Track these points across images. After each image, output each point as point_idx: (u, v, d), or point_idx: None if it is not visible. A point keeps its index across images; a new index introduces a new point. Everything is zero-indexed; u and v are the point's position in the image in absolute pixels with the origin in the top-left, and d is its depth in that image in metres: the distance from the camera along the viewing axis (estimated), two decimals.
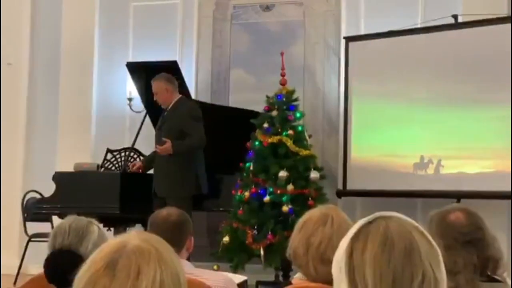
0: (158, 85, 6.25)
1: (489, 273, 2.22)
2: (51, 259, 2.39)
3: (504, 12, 6.49)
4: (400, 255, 1.30)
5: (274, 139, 6.17)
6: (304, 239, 2.34)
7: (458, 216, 2.28)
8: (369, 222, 1.37)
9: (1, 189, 7.87)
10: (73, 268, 1.29)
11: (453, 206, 2.39)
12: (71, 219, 2.48)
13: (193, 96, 7.32)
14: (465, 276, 2.16)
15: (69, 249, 2.38)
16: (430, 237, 1.37)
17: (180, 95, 6.34)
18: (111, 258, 1.21)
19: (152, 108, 6.61)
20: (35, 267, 6.13)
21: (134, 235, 1.27)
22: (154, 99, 6.28)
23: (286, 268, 5.91)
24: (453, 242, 2.21)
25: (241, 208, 6.09)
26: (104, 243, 1.28)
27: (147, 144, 6.78)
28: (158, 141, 6.22)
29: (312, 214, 2.42)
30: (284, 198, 5.94)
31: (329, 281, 1.95)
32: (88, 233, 2.43)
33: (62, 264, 2.30)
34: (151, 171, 6.43)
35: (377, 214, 1.39)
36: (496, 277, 2.23)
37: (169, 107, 6.27)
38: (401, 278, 1.29)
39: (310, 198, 5.98)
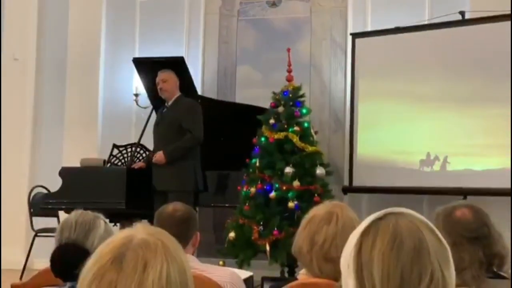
0: (169, 74, 6.35)
1: (495, 270, 2.22)
2: (58, 253, 2.39)
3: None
4: (409, 254, 1.29)
5: (280, 135, 6.18)
6: (309, 237, 2.34)
7: (464, 212, 2.28)
8: (379, 218, 1.35)
9: (8, 184, 7.90)
10: (80, 262, 1.29)
11: (459, 203, 2.38)
12: (77, 213, 2.48)
13: (199, 92, 7.32)
14: (471, 273, 2.16)
15: (75, 243, 2.38)
16: (440, 236, 1.35)
17: (180, 93, 6.38)
18: (117, 252, 1.22)
19: (159, 104, 6.62)
20: (42, 262, 6.14)
21: (140, 229, 1.28)
22: (160, 87, 6.30)
23: (291, 264, 5.92)
24: (459, 238, 2.20)
25: (247, 204, 6.10)
26: (110, 237, 1.29)
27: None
28: (156, 139, 6.32)
29: (317, 211, 2.41)
30: (290, 194, 5.94)
31: (333, 279, 1.95)
32: (95, 227, 2.44)
33: (68, 258, 2.30)
34: None
35: (388, 210, 1.37)
36: (502, 273, 2.23)
37: (170, 103, 6.31)
38: (409, 277, 1.27)
39: (316, 194, 5.97)
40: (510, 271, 2.26)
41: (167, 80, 6.32)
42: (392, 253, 1.29)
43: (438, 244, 1.33)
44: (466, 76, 6.44)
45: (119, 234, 1.28)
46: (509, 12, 6.26)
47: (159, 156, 6.15)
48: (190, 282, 1.26)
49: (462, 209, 2.29)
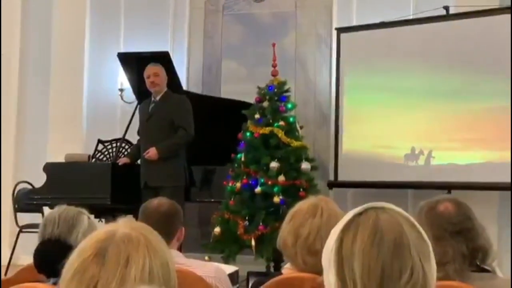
0: (161, 68, 6.29)
1: (478, 263, 2.23)
2: (41, 249, 2.39)
3: (495, 3, 6.50)
4: (389, 248, 1.29)
5: (266, 130, 6.17)
6: (293, 230, 2.35)
7: (447, 206, 2.28)
8: (360, 213, 1.35)
9: None
10: (63, 257, 1.29)
11: (442, 197, 2.39)
12: (61, 209, 2.47)
13: (184, 87, 7.30)
14: (455, 266, 2.17)
15: (58, 239, 2.37)
16: (421, 230, 1.35)
17: (167, 88, 6.35)
18: (100, 246, 1.21)
19: (144, 99, 6.59)
20: (26, 258, 6.09)
21: (123, 224, 1.28)
22: (151, 80, 6.21)
23: (277, 259, 5.91)
24: (442, 232, 2.21)
25: (232, 199, 6.09)
26: (94, 232, 1.28)
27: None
28: (146, 134, 6.25)
29: (302, 205, 2.43)
30: (276, 189, 5.94)
31: (317, 272, 1.95)
32: (78, 222, 2.43)
33: (51, 254, 2.29)
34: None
35: (369, 204, 1.37)
36: (485, 267, 2.24)
37: (158, 98, 6.26)
38: (390, 271, 1.28)
39: (301, 189, 5.97)
40: (493, 264, 2.27)
41: (159, 74, 6.27)
42: (372, 248, 1.29)
43: (419, 238, 1.33)
44: (451, 70, 6.46)
45: (102, 229, 1.28)
46: (493, 7, 6.31)
47: (152, 152, 6.10)
48: (173, 277, 1.26)
49: (445, 203, 2.30)
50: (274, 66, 6.49)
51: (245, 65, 7.89)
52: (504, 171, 6.00)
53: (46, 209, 6.47)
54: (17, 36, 8.22)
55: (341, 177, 6.99)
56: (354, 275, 1.28)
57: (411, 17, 6.88)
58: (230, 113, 6.65)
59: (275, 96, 6.34)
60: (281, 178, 5.97)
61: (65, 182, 6.38)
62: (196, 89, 7.68)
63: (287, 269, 2.42)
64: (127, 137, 6.81)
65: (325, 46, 7.66)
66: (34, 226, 6.51)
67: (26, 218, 7.07)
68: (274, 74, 6.46)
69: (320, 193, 5.86)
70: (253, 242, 5.86)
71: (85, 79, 8.06)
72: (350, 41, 7.04)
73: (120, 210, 6.37)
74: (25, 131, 8.23)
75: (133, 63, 6.99)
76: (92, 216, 2.61)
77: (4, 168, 8.00)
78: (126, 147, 6.83)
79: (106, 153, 6.79)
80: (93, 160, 6.71)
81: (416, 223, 1.36)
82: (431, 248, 1.34)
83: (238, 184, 6.09)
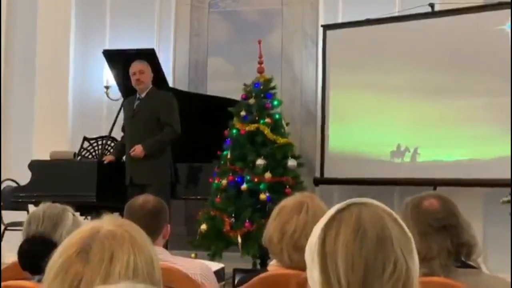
0: (146, 65, 6.27)
1: (463, 259, 2.24)
2: (25, 246, 2.38)
3: (479, 0, 6.53)
4: (372, 243, 1.30)
5: (252, 127, 6.18)
6: (279, 226, 2.35)
7: (432, 202, 2.29)
8: (342, 209, 1.36)
9: None
10: (47, 255, 1.28)
11: (427, 193, 2.40)
12: (45, 206, 2.46)
13: (170, 84, 7.29)
14: (440, 262, 2.18)
15: (43, 236, 2.36)
16: (403, 224, 1.36)
17: (152, 85, 6.32)
18: (84, 243, 1.21)
19: (130, 96, 6.57)
20: (12, 255, 6.07)
21: (107, 221, 1.27)
22: (137, 77, 6.19)
23: (263, 256, 5.92)
24: (427, 228, 2.22)
25: (218, 196, 6.09)
26: (77, 229, 1.28)
27: None
28: (131, 132, 6.23)
29: (288, 202, 2.43)
30: (262, 186, 5.95)
31: (303, 268, 1.96)
32: (63, 220, 2.42)
33: (35, 251, 2.28)
34: None
35: (351, 200, 1.38)
36: (470, 262, 2.25)
37: (143, 95, 6.24)
38: (373, 266, 1.28)
39: (287, 186, 5.99)
40: (478, 260, 2.28)
41: (144, 71, 6.25)
42: (355, 243, 1.30)
43: (401, 233, 1.34)
44: (436, 67, 6.48)
45: (86, 226, 1.27)
46: (478, 4, 6.34)
47: (138, 150, 6.08)
48: (158, 274, 1.26)
49: (430, 199, 2.30)
50: (260, 63, 6.50)
51: (231, 62, 7.88)
52: (489, 168, 6.05)
53: (32, 207, 6.44)
54: (1, 32, 8.16)
55: (327, 174, 7.00)
56: (338, 270, 1.28)
57: (396, 14, 6.90)
58: (216, 110, 6.64)
59: (261, 93, 6.34)
60: (267, 175, 5.98)
61: (51, 180, 6.35)
62: (182, 86, 7.66)
63: (273, 266, 2.42)
64: (113, 134, 6.79)
65: (311, 43, 7.66)
66: (20, 224, 6.46)
67: (11, 215, 7.02)
68: (260, 71, 6.46)
69: (306, 190, 5.86)
70: (239, 239, 5.86)
71: (71, 77, 8.02)
72: (336, 38, 7.05)
73: (106, 207, 6.38)
74: (10, 128, 8.18)
75: (119, 60, 6.97)
76: (77, 214, 2.60)
77: None
78: (112, 144, 6.81)
79: (92, 150, 6.77)
80: (79, 157, 6.68)
81: (398, 218, 1.36)
82: (413, 243, 1.35)
83: (224, 181, 6.10)
